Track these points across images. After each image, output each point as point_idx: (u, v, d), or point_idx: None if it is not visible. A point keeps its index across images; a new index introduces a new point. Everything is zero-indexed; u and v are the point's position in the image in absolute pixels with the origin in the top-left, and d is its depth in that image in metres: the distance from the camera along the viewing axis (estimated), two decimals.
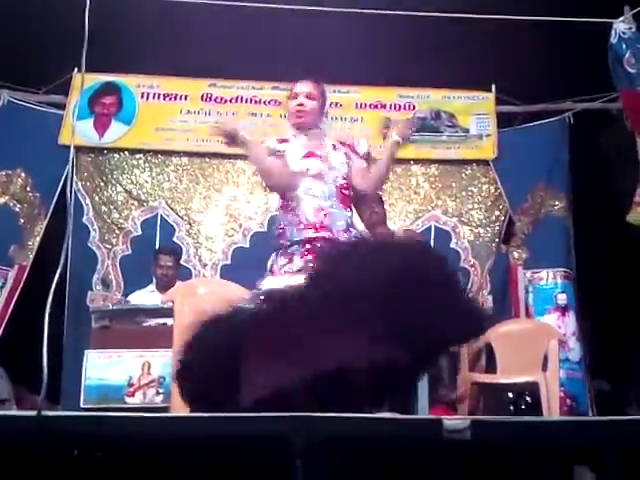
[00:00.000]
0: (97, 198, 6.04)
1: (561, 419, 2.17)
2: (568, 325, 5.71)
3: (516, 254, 6.05)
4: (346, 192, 3.32)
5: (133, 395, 4.30)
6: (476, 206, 6.24)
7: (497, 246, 6.12)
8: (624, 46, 5.01)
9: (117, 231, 6.01)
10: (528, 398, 4.98)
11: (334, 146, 3.38)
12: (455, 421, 1.86)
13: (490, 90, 6.21)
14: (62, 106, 5.95)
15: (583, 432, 1.92)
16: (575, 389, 5.57)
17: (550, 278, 5.88)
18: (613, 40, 5.05)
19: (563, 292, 5.82)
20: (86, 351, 4.44)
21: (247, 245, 6.10)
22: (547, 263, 5.93)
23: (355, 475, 2.01)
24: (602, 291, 5.76)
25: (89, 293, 5.74)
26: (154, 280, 5.40)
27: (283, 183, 3.25)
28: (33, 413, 1.94)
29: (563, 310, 5.78)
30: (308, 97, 3.32)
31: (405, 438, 1.89)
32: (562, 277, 5.86)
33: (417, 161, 6.24)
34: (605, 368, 5.79)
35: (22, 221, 5.81)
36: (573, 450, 1.92)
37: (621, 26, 5.03)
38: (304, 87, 3.35)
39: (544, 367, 4.72)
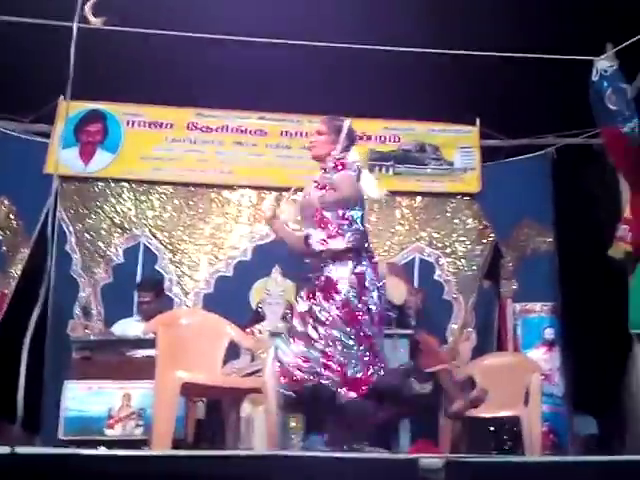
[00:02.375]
0: (80, 226, 6.02)
1: (536, 459, 2.16)
2: (554, 359, 5.72)
3: (506, 287, 6.07)
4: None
5: (113, 427, 4.25)
6: (460, 239, 6.27)
7: (480, 280, 6.14)
8: (605, 84, 5.06)
9: (99, 259, 5.98)
10: (510, 432, 4.97)
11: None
12: (430, 460, 1.86)
13: (474, 124, 6.28)
14: (48, 135, 5.95)
15: (558, 472, 1.91)
16: (558, 424, 5.56)
17: (539, 311, 5.90)
18: (594, 77, 5.10)
19: (550, 327, 5.84)
20: (66, 382, 4.40)
21: (231, 274, 6.08)
22: (535, 297, 5.96)
23: None
24: (585, 325, 5.77)
25: (70, 322, 5.69)
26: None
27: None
28: (7, 450, 1.91)
29: (550, 345, 5.79)
30: (318, 133, 3.76)
31: (381, 477, 1.89)
32: (549, 311, 5.88)
33: (402, 193, 6.27)
34: (587, 403, 5.79)
35: (4, 249, 5.78)
36: None
37: (602, 64, 5.08)
38: (317, 125, 3.82)
39: (526, 401, 4.71)
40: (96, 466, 2.00)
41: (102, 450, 2.60)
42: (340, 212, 3.56)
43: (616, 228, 5.32)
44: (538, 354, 5.73)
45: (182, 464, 2.03)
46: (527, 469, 1.96)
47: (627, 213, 5.32)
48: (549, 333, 5.83)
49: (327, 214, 3.56)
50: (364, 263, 3.56)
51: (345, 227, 3.54)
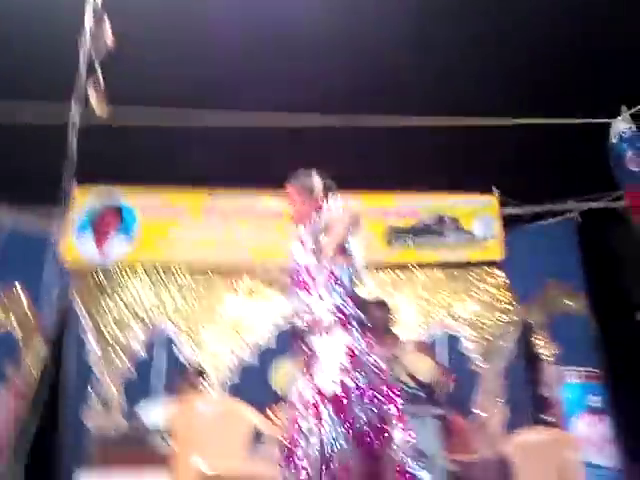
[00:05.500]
0: (97, 316, 5.93)
1: None
2: (601, 429, 5.43)
3: (543, 353, 5.88)
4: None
5: None
6: (484, 308, 6.15)
7: (512, 349, 5.97)
8: (624, 145, 5.01)
9: (119, 349, 5.86)
10: None
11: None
12: None
13: (492, 193, 6.21)
14: (61, 224, 5.90)
15: None
16: None
17: (580, 378, 5.65)
18: (613, 140, 5.05)
19: (594, 394, 5.59)
20: (82, 471, 4.26)
21: (257, 363, 5.95)
22: (574, 361, 5.74)
23: None
24: (630, 391, 5.50)
25: (87, 411, 5.53)
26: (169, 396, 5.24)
27: None
28: None
29: (596, 413, 5.53)
30: (291, 203, 3.43)
31: None
32: (592, 378, 5.64)
33: (421, 266, 6.17)
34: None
35: (20, 337, 5.68)
36: None
37: (620, 126, 5.04)
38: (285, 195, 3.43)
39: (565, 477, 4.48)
40: None
41: None
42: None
43: None
44: (584, 423, 5.46)
45: None
46: None
47: None
48: (594, 401, 5.55)
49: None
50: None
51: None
